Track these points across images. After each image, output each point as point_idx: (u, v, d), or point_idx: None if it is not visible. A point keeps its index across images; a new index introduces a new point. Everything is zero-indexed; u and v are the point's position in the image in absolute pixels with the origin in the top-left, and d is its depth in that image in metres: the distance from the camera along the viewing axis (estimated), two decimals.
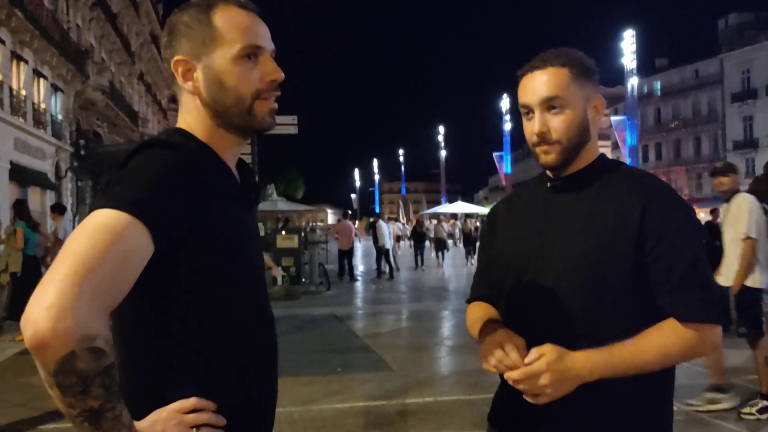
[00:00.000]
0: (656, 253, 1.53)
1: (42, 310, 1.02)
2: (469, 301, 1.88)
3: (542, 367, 1.45)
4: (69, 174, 25.17)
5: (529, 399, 1.49)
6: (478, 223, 29.68)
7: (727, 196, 5.45)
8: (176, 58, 1.33)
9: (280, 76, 1.36)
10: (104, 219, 1.12)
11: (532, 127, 1.64)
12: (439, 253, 24.86)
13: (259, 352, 1.37)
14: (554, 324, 1.56)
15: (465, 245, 26.68)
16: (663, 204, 1.57)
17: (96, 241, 1.09)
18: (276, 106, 1.38)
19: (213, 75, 1.32)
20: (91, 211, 1.15)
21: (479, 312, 1.77)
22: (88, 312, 1.04)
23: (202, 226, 1.22)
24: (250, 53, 1.32)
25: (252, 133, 1.40)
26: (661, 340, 1.51)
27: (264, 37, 1.36)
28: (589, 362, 1.48)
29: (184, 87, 1.34)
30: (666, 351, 1.51)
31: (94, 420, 1.07)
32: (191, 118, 1.36)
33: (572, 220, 1.62)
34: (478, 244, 2.20)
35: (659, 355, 1.51)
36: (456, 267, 23.67)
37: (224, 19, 1.32)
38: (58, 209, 10.92)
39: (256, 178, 1.49)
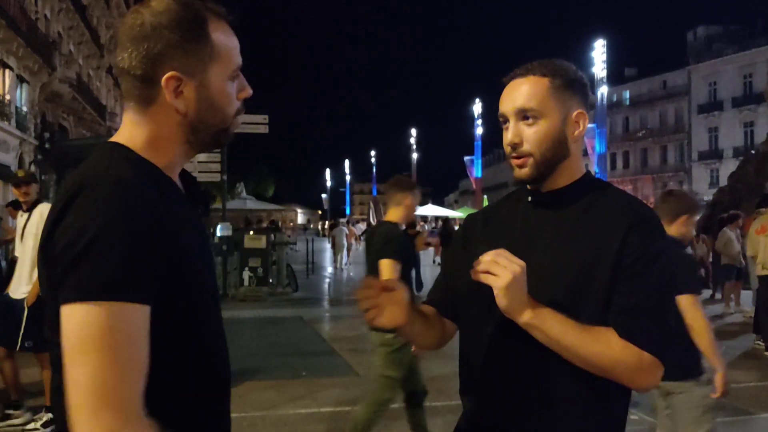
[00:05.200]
0: (623, 276, 1.49)
1: None
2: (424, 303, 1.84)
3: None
4: (33, 167, 24.59)
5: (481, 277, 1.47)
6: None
7: (28, 206, 5.39)
8: (170, 74, 1.20)
9: (251, 92, 1.33)
10: (93, 322, 1.03)
11: (507, 138, 1.60)
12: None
13: (213, 381, 1.28)
14: (531, 344, 1.51)
15: None
16: (644, 232, 1.52)
17: (97, 361, 1.03)
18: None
19: (206, 94, 1.24)
20: (66, 299, 1.06)
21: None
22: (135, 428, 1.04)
23: (170, 265, 1.14)
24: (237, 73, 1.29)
25: (214, 149, 1.36)
26: (606, 341, 1.46)
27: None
28: (542, 311, 1.45)
29: (175, 104, 1.22)
30: (605, 354, 1.45)
31: None
32: (144, 132, 1.24)
33: (553, 240, 1.57)
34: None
35: (594, 354, 1.45)
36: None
37: (218, 35, 1.25)
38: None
39: (201, 188, 1.41)
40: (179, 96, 1.22)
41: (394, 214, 4.18)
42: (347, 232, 25.83)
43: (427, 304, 1.78)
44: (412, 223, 16.39)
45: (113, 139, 1.26)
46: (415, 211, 4.28)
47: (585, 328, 1.47)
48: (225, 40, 1.26)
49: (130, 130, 1.26)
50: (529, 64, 1.61)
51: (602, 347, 1.46)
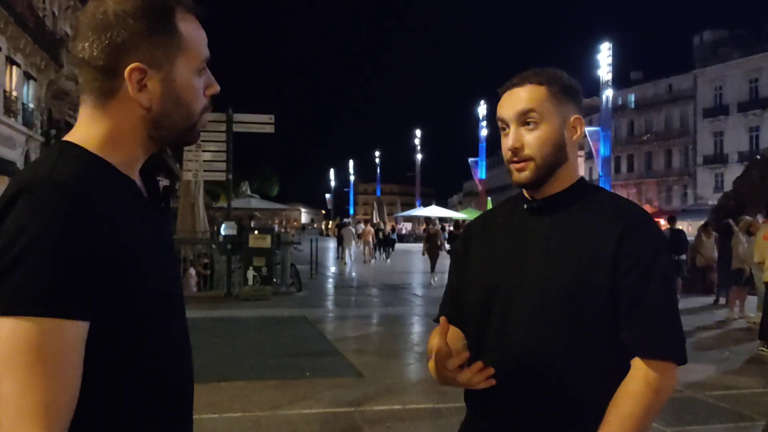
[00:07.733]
0: (624, 284, 1.51)
1: None
2: (436, 320, 1.85)
3: None
4: None
5: None
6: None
7: None
8: (134, 65, 1.13)
9: (218, 89, 1.26)
10: (22, 337, 0.97)
11: (507, 143, 1.63)
12: None
13: (173, 393, 1.22)
14: (530, 352, 1.54)
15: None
16: (637, 234, 1.54)
17: (26, 378, 0.96)
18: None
19: (172, 88, 1.17)
20: None
21: (434, 341, 1.68)
22: None
23: (120, 273, 1.07)
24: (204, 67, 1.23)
25: (180, 147, 1.30)
26: (634, 400, 1.48)
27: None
28: None
29: (138, 98, 1.15)
30: (644, 410, 1.48)
31: None
32: (101, 128, 1.16)
33: (548, 246, 1.59)
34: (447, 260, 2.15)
35: (643, 417, 1.47)
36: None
37: (186, 26, 1.19)
38: None
39: (161, 185, 1.32)
40: (143, 89, 1.15)
41: None
42: (353, 230, 27.15)
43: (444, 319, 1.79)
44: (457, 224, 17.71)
45: (67, 137, 1.18)
46: None
47: (617, 411, 1.47)
48: (192, 31, 1.20)
49: (86, 127, 1.17)
50: (523, 73, 1.65)
51: (639, 411, 1.47)
